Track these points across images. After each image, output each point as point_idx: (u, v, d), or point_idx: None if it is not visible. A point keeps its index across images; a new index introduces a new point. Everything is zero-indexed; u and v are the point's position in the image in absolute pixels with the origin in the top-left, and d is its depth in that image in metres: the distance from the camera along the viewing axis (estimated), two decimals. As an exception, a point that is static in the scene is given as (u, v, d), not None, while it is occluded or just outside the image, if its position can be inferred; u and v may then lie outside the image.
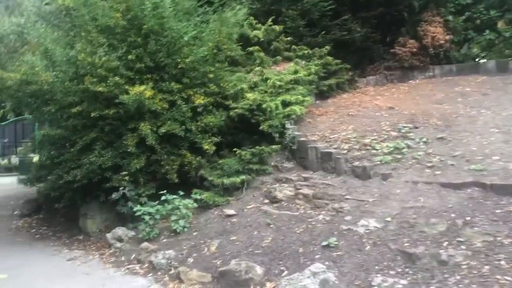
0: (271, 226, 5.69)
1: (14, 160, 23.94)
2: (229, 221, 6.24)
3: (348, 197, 5.81)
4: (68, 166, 7.23)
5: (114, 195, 6.96)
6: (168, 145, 7.32)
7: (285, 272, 4.63)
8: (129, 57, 7.17)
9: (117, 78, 6.92)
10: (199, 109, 7.35)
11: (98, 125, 7.25)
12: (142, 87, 6.74)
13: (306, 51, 9.89)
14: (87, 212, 7.71)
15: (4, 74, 7.14)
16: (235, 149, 7.53)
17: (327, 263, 4.57)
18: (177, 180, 7.08)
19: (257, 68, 9.18)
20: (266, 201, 6.67)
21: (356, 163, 6.41)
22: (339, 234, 5.04)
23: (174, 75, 7.37)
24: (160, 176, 7.31)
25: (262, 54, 9.53)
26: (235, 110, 7.75)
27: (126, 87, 6.95)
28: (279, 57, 9.87)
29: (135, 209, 6.51)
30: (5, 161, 24.17)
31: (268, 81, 8.65)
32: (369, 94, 10.23)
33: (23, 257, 6.68)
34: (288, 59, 9.95)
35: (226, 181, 7.13)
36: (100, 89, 6.88)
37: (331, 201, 5.81)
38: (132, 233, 6.79)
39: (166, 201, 6.58)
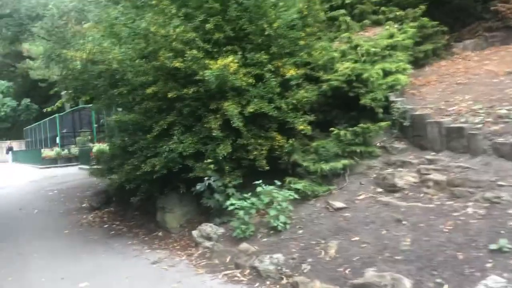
0: (403, 222, 4.54)
1: (74, 150, 24.03)
2: (341, 216, 5.15)
3: (501, 183, 4.53)
4: (144, 155, 6.37)
5: (199, 186, 6.05)
6: (254, 127, 6.30)
7: (446, 287, 3.50)
8: (207, 26, 6.16)
9: (195, 52, 5.93)
10: (292, 83, 6.23)
11: (175, 108, 6.33)
12: (229, 58, 5.70)
13: (397, 13, 8.51)
14: (165, 205, 6.87)
15: (69, 54, 6.33)
16: (332, 128, 6.40)
17: (505, 274, 3.39)
18: (268, 167, 6.05)
19: (344, 35, 7.95)
20: (379, 190, 5.52)
21: (500, 140, 5.08)
22: (509, 233, 3.82)
23: (258, 45, 6.28)
24: (246, 164, 6.31)
25: (348, 18, 8.26)
26: (330, 83, 6.57)
27: (206, 61, 5.96)
28: (366, 21, 8.57)
29: (227, 202, 5.55)
30: (65, 151, 24.32)
31: (358, 48, 7.41)
32: (472, 60, 8.72)
33: (101, 259, 5.92)
34: (376, 23, 8.63)
35: (325, 167, 6.02)
36: (177, 64, 5.92)
37: (478, 189, 4.56)
38: (221, 230, 5.87)
39: (258, 192, 5.57)
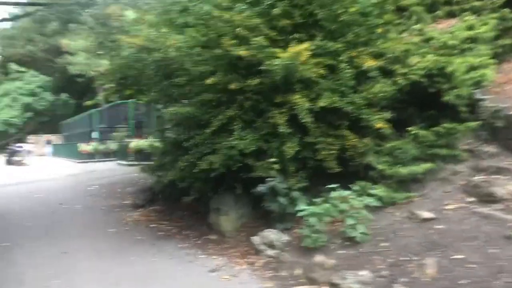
0: (516, 240, 3.83)
1: (111, 145, 23.98)
2: (431, 228, 4.47)
3: None
4: (200, 152, 5.84)
5: (261, 188, 5.48)
6: (322, 124, 5.68)
7: None
8: (274, 11, 5.58)
9: (261, 39, 5.36)
10: (370, 75, 5.58)
11: (236, 101, 5.77)
12: (303, 45, 5.09)
13: (475, 3, 7.71)
14: (220, 206, 6.32)
15: (125, 39, 5.87)
16: (409, 128, 5.71)
17: None
18: (338, 169, 5.42)
19: (415, 26, 7.23)
20: (471, 199, 4.80)
21: None
22: None
23: (331, 32, 5.66)
24: (312, 164, 5.70)
25: (420, 8, 7.52)
26: (408, 76, 5.88)
27: (273, 49, 5.37)
28: (438, 12, 7.81)
29: (297, 208, 4.95)
30: (102, 146, 24.30)
31: (434, 40, 6.70)
32: (557, 57, 7.85)
33: (153, 264, 5.41)
34: (450, 15, 7.85)
35: (404, 171, 5.36)
36: (242, 53, 5.36)
37: None
38: (285, 237, 5.27)
39: (331, 197, 4.95)
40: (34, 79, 41.19)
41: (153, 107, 20.84)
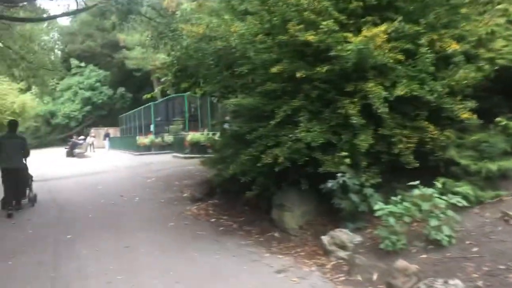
0: None
1: (167, 138, 24.33)
2: (532, 233, 3.90)
3: None
4: (264, 144, 5.53)
5: (331, 184, 5.09)
6: (397, 114, 5.19)
7: None
8: (343, -8, 5.16)
9: (330, 23, 4.94)
10: (454, 60, 5.03)
11: (302, 90, 5.40)
12: (380, 28, 4.64)
13: None
14: (284, 202, 6.00)
15: (186, 28, 5.65)
16: (498, 118, 5.11)
17: None
18: (416, 164, 4.92)
19: (498, 6, 6.50)
20: None
21: None
22: None
23: (409, 13, 5.14)
24: (385, 159, 5.24)
25: (503, -14, 6.77)
26: (496, 61, 5.26)
27: (344, 34, 4.95)
28: (525, -10, 7.01)
29: (374, 207, 4.52)
30: (159, 139, 24.71)
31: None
32: None
33: (216, 261, 5.18)
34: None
35: (493, 166, 4.78)
36: (310, 38, 4.97)
37: None
38: (357, 237, 4.87)
39: (412, 196, 4.48)
40: (93, 73, 42.80)
41: (208, 100, 20.92)
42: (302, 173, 5.71)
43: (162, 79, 16.68)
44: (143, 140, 24.85)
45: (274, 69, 5.27)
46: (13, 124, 9.28)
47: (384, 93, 4.76)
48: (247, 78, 5.81)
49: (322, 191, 5.26)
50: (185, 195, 9.42)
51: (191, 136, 19.56)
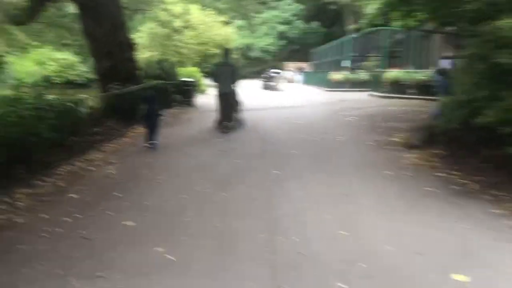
0: None
1: (363, 75, 22.90)
2: None
3: None
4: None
5: None
6: None
7: None
8: None
9: None
10: None
11: None
12: None
13: None
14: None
15: None
16: None
17: None
18: None
19: None
20: None
21: None
22: None
23: None
24: None
25: None
26: None
27: None
28: None
29: None
30: (353, 75, 23.46)
31: None
32: None
33: (461, 232, 3.97)
34: None
35: None
36: None
37: None
38: None
39: None
40: (289, 7, 42.88)
41: (412, 34, 18.53)
42: None
43: (367, 11, 15.11)
44: (336, 76, 23.95)
45: None
46: (226, 52, 10.01)
47: None
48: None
49: None
50: (394, 139, 8.21)
51: (391, 73, 17.81)
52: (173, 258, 3.41)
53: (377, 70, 20.96)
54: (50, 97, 7.20)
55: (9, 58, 14.90)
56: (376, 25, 23.78)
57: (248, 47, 44.63)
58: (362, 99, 17.26)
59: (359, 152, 7.50)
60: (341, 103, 15.96)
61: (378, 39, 23.70)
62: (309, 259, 3.42)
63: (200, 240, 3.79)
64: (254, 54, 44.37)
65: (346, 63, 25.30)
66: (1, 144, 4.85)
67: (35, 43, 13.90)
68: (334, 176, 5.89)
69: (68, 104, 7.18)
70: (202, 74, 20.74)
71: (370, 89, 19.87)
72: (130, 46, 11.20)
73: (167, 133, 8.64)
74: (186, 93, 14.59)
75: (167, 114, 9.73)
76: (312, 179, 5.77)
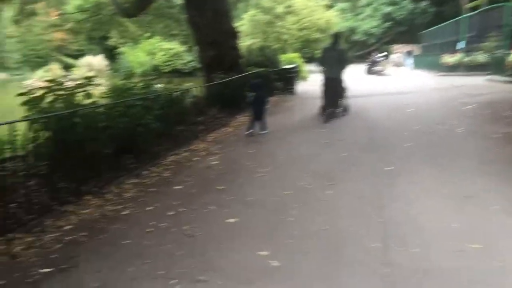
0: None
1: (480, 57, 20.71)
2: None
3: None
4: None
5: None
6: None
7: None
8: None
9: None
10: None
11: None
12: None
13: None
14: None
15: None
16: None
17: None
18: None
19: None
20: None
21: None
22: None
23: None
24: None
25: None
26: None
27: None
28: None
29: None
30: (468, 58, 21.33)
31: None
32: None
33: None
34: None
35: None
36: None
37: None
38: None
39: None
40: (395, -13, 40.41)
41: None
42: None
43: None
44: (449, 59, 21.94)
45: None
46: (335, 36, 9.68)
47: None
48: None
49: None
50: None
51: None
52: (277, 264, 3.16)
53: (498, 51, 18.75)
54: (157, 85, 7.38)
55: (122, 49, 15.88)
56: (497, 1, 21.22)
57: (351, 30, 42.95)
58: (480, 85, 15.54)
59: (482, 146, 6.61)
60: (457, 89, 14.52)
61: (500, 17, 21.18)
62: (432, 277, 2.93)
63: (305, 244, 3.50)
64: (357, 37, 42.63)
65: (461, 44, 23.06)
66: (110, 135, 4.98)
67: (145, 34, 14.60)
68: (454, 174, 5.20)
69: (174, 93, 7.29)
70: (303, 60, 20.32)
71: (489, 73, 17.87)
72: (234, 34, 11.21)
73: (269, 122, 8.46)
74: (287, 80, 14.34)
75: (269, 102, 9.55)
76: (428, 176, 5.16)
